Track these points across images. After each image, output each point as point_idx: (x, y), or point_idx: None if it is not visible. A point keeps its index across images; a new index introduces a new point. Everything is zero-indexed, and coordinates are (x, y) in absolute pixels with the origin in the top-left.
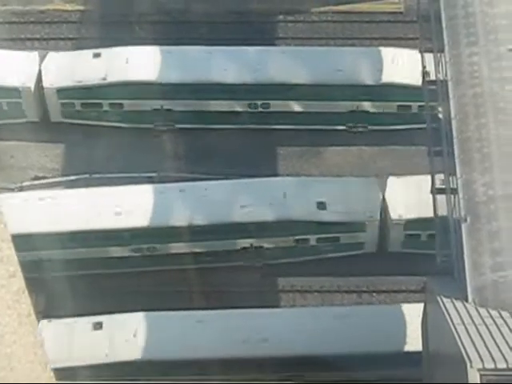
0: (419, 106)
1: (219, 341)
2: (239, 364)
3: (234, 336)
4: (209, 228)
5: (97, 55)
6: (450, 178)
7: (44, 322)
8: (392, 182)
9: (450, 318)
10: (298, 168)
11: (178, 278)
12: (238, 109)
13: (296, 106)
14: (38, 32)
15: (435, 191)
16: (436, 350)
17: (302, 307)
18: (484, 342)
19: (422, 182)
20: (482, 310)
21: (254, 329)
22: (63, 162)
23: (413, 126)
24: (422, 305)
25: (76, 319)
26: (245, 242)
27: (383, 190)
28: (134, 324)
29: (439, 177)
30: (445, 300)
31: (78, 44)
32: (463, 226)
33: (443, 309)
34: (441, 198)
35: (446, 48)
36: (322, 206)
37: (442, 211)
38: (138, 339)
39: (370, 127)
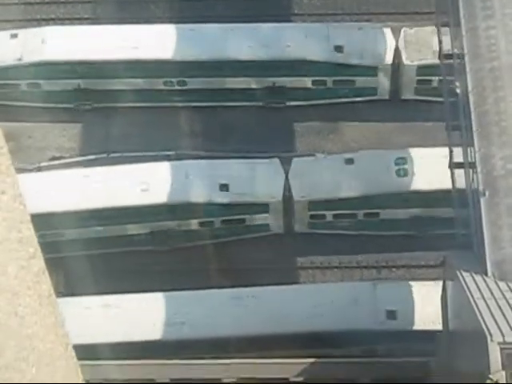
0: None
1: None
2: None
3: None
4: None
5: None
6: (469, 152)
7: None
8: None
9: (470, 292)
10: (315, 144)
11: (196, 255)
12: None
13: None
14: (54, 12)
15: (453, 165)
16: (456, 325)
17: (321, 283)
18: (504, 316)
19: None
20: (502, 284)
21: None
22: (81, 142)
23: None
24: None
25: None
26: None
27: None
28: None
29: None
30: (464, 274)
31: (94, 24)
32: (482, 200)
33: (463, 283)
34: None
35: (462, 22)
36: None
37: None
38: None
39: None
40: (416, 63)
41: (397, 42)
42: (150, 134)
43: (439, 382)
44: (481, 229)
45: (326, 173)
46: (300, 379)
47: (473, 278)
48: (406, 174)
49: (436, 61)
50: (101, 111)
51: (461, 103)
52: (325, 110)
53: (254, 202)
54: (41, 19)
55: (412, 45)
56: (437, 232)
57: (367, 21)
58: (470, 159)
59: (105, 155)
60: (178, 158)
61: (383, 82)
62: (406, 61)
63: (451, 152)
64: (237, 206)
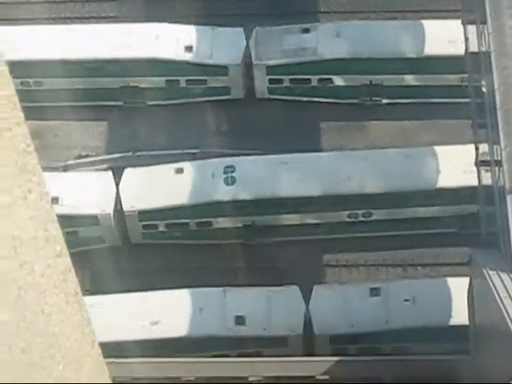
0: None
1: None
2: None
3: None
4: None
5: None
6: (495, 150)
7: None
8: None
9: (497, 290)
10: (341, 142)
11: (222, 253)
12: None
13: (339, 80)
14: (79, 11)
15: (479, 163)
16: (482, 323)
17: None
18: None
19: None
20: None
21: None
22: (106, 141)
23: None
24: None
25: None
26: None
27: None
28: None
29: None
30: (491, 273)
31: (118, 22)
32: (508, 198)
33: (489, 282)
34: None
35: (489, 19)
36: None
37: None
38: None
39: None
40: (265, 62)
41: (247, 41)
42: (175, 131)
43: (465, 382)
44: (507, 226)
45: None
46: (325, 377)
47: (499, 276)
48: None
49: (285, 60)
50: (126, 109)
51: (487, 101)
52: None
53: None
54: (65, 17)
55: (262, 44)
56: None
57: (393, 19)
58: (496, 157)
59: (130, 153)
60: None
61: (235, 81)
62: (255, 60)
63: (477, 149)
64: None
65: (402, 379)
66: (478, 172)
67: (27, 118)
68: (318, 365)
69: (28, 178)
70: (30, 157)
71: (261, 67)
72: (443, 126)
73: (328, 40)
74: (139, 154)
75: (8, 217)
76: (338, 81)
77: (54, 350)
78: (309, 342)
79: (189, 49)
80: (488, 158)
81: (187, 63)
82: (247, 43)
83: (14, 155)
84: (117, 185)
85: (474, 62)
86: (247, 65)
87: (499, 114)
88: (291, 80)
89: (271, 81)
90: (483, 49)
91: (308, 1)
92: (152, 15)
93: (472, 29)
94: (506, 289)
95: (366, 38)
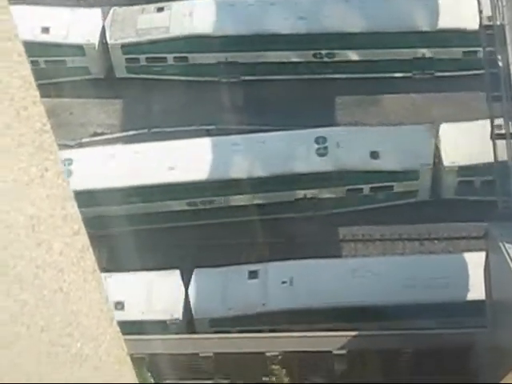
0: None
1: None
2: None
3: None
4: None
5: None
6: (510, 123)
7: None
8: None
9: None
10: (356, 117)
11: (236, 230)
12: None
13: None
14: None
15: (495, 137)
16: (499, 298)
17: (360, 257)
18: None
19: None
20: None
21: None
22: (121, 118)
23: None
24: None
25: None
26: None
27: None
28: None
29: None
30: (507, 246)
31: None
32: None
33: (506, 255)
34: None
35: None
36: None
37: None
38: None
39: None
40: (119, 42)
41: (104, 21)
42: (190, 108)
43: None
44: None
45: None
46: (343, 351)
47: None
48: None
49: (140, 39)
50: (139, 87)
51: (501, 74)
52: None
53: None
54: None
55: (117, 24)
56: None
57: None
58: (511, 130)
59: (146, 130)
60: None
61: (93, 61)
62: (110, 40)
63: (492, 123)
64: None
65: (421, 352)
66: (494, 145)
67: (42, 95)
68: (336, 340)
69: (45, 156)
70: (47, 135)
71: (116, 47)
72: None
73: (180, 19)
74: (154, 130)
75: (26, 196)
76: (195, 59)
77: (73, 328)
78: (189, 325)
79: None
80: (503, 131)
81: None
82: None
83: (32, 134)
84: None
85: (488, 36)
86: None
87: None
88: (147, 59)
89: (128, 60)
90: (498, 21)
91: None
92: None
93: (486, 1)
94: None
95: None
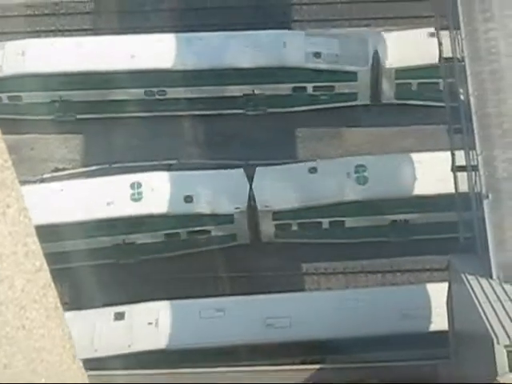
0: None
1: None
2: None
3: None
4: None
5: None
6: (471, 155)
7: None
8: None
9: (475, 295)
10: (318, 150)
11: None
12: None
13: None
14: (53, 24)
15: (455, 169)
16: (462, 328)
17: (324, 291)
18: (510, 319)
19: None
20: (507, 287)
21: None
22: (83, 153)
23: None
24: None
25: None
26: None
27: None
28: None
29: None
30: (469, 277)
31: (94, 34)
32: (485, 203)
33: (468, 286)
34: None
35: (462, 24)
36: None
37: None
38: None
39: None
40: None
41: None
42: (151, 143)
43: None
44: (484, 231)
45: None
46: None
47: (478, 280)
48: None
49: None
50: (101, 122)
51: (462, 106)
52: None
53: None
54: (40, 31)
55: None
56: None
57: (366, 26)
58: (472, 162)
59: (107, 166)
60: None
61: None
62: None
63: (453, 155)
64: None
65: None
66: (455, 178)
67: (2, 132)
68: (300, 373)
69: (7, 193)
70: (8, 172)
71: None
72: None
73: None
74: (116, 165)
75: None
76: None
77: (36, 365)
78: None
79: None
80: (464, 164)
81: None
82: None
83: None
84: None
85: (448, 68)
86: None
87: (474, 118)
88: None
89: None
90: (457, 54)
91: (280, 9)
92: (126, 26)
93: (445, 34)
94: (485, 293)
95: None
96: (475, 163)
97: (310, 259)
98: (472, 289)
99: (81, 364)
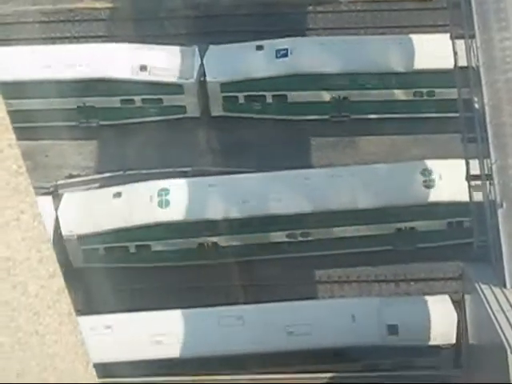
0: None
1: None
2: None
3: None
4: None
5: None
6: (485, 164)
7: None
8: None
9: (489, 304)
10: (332, 159)
11: (212, 272)
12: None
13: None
14: (68, 31)
15: (470, 177)
16: (476, 338)
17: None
18: None
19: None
20: None
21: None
22: (97, 160)
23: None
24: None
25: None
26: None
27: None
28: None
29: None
30: (483, 287)
31: (109, 42)
32: (499, 212)
33: (481, 296)
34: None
35: (477, 34)
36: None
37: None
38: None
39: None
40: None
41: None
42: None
43: None
44: (499, 240)
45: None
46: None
47: (491, 290)
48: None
49: None
50: (115, 129)
51: (476, 115)
52: None
53: None
54: (56, 37)
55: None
56: None
57: (381, 34)
58: (486, 171)
59: (121, 172)
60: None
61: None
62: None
63: (468, 164)
64: None
65: None
66: (469, 186)
67: (17, 138)
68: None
69: (20, 199)
70: (22, 178)
71: None
72: (434, 141)
73: None
74: (130, 172)
75: (1, 239)
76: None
77: (49, 372)
78: None
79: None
80: (479, 172)
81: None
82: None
83: (7, 177)
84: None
85: (463, 77)
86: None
87: (489, 128)
88: None
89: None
90: (472, 63)
91: (296, 18)
92: (140, 34)
93: (461, 43)
94: (499, 302)
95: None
96: (489, 172)
97: (324, 267)
98: (485, 298)
99: (94, 371)
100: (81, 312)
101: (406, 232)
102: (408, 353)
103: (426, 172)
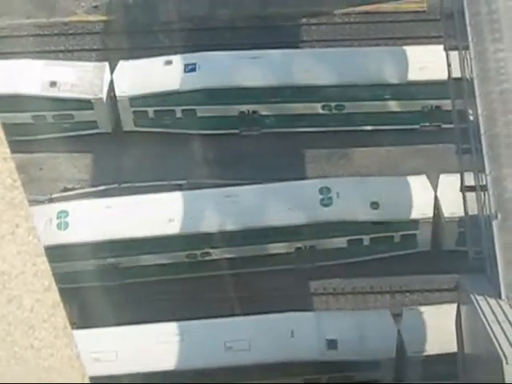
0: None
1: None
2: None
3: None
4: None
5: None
6: (480, 175)
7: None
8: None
9: (484, 315)
10: (326, 171)
11: (211, 284)
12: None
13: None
14: (63, 44)
15: (465, 189)
16: (471, 349)
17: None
18: None
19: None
20: None
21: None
22: (91, 173)
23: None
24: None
25: None
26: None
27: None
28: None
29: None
30: (478, 298)
31: (102, 55)
32: (494, 223)
33: (477, 307)
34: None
35: (471, 45)
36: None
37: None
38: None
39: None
40: None
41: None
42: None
43: None
44: (494, 252)
45: None
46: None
47: (487, 301)
48: None
49: None
50: (109, 142)
51: (471, 127)
52: None
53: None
54: (50, 51)
55: None
56: None
57: (376, 45)
58: (481, 182)
59: (116, 185)
60: (191, 187)
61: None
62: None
63: (462, 176)
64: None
65: None
66: (464, 198)
67: (11, 151)
68: None
69: (15, 212)
70: (17, 192)
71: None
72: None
73: None
74: (125, 185)
75: None
76: None
77: None
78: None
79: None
80: (473, 184)
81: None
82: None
83: (2, 191)
84: None
85: (457, 88)
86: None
87: (483, 139)
88: None
89: None
90: (466, 74)
91: (290, 30)
92: (135, 47)
93: (454, 55)
94: (494, 313)
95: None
96: (484, 183)
97: (319, 278)
98: (481, 309)
99: None
100: (76, 325)
101: (306, 251)
102: (348, 367)
103: (324, 190)
